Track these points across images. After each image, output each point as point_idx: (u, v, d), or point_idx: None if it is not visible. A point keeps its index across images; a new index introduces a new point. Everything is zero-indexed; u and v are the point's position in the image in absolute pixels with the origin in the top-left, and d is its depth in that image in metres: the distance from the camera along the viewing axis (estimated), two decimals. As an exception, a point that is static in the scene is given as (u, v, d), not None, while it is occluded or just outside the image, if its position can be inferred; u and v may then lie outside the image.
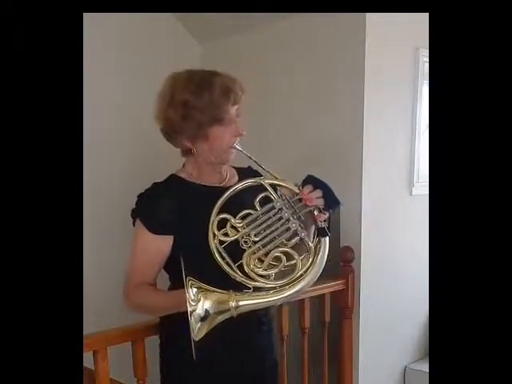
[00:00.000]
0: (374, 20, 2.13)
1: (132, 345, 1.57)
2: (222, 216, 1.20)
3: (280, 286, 1.18)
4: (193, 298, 1.10)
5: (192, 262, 1.14)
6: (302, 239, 1.20)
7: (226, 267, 1.18)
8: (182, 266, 1.12)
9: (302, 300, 2.03)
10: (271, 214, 1.20)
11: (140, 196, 1.33)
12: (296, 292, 1.19)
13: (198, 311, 1.11)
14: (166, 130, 1.32)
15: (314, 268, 1.20)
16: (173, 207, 1.28)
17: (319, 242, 1.21)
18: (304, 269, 1.19)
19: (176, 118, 1.26)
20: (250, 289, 1.17)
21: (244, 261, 1.18)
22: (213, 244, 1.18)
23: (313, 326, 2.10)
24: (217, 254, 1.18)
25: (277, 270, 1.19)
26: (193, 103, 1.24)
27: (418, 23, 2.04)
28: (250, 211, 1.20)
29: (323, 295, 2.13)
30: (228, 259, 1.18)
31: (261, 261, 1.20)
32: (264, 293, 1.18)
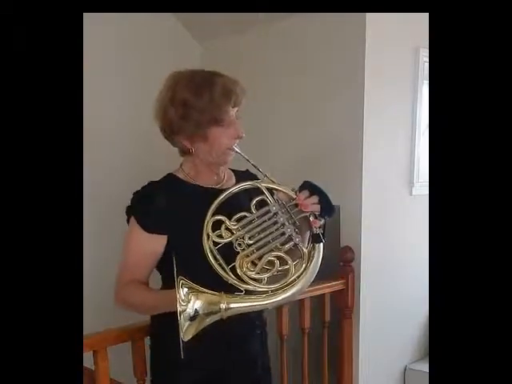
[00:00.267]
0: (374, 20, 2.13)
1: (132, 345, 1.57)
2: (216, 217, 1.19)
3: (272, 291, 1.17)
4: (183, 297, 1.09)
5: (185, 262, 1.13)
6: (296, 244, 1.19)
7: (218, 269, 1.17)
8: (175, 265, 1.11)
9: (302, 300, 2.03)
10: (266, 217, 1.19)
11: (135, 194, 1.32)
12: (288, 297, 1.18)
13: (187, 311, 1.09)
14: (164, 129, 1.32)
15: (307, 274, 1.19)
16: (168, 206, 1.28)
17: (313, 248, 1.20)
18: (297, 274, 1.18)
19: (175, 117, 1.26)
20: (241, 291, 1.16)
21: (237, 263, 1.17)
22: (206, 245, 1.18)
23: (313, 326, 2.10)
24: (210, 256, 1.17)
25: (270, 274, 1.18)
26: (192, 103, 1.24)
27: (417, 23, 2.05)
28: (245, 214, 1.20)
29: (323, 295, 2.13)
30: (221, 261, 1.17)
31: (254, 264, 1.19)
32: (255, 296, 1.17)
